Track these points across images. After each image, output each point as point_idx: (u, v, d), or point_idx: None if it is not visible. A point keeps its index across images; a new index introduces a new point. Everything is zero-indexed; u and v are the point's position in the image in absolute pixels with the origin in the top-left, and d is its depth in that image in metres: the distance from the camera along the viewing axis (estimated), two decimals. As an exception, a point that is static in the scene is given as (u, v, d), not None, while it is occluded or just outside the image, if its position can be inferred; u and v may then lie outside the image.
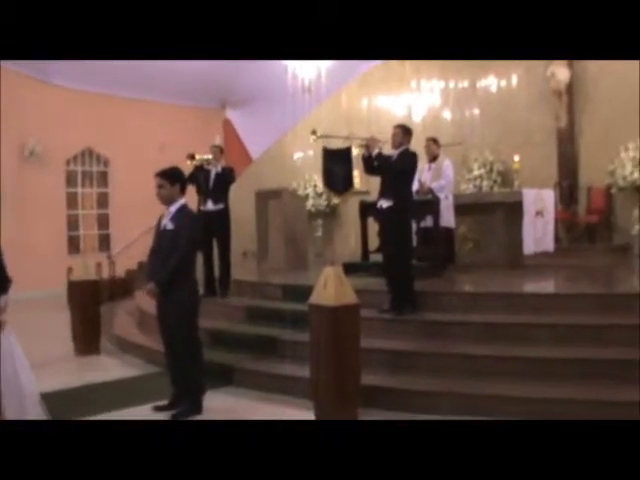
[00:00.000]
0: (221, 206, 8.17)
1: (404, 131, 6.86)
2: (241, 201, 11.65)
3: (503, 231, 8.83)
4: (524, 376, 5.40)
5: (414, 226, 7.68)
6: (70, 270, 9.84)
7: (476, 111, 12.57)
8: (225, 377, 6.40)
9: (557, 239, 9.93)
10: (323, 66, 12.76)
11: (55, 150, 14.49)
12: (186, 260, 5.42)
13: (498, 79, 12.29)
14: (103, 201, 15.94)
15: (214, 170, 8.20)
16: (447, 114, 12.98)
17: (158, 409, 5.60)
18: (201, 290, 8.08)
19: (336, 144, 8.93)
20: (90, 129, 14.96)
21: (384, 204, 6.73)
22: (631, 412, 4.58)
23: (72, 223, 15.37)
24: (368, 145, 6.82)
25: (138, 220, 12.67)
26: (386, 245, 6.91)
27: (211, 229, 8.02)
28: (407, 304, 6.61)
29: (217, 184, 8.17)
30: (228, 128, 17.09)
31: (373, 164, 6.79)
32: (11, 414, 4.28)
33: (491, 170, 12.02)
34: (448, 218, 8.49)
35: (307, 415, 5.27)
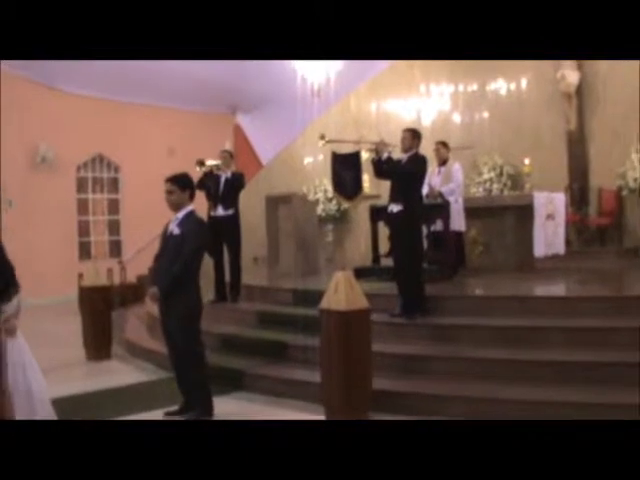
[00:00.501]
0: (231, 212, 8.17)
1: (413, 135, 6.87)
2: (251, 206, 11.67)
3: (513, 234, 8.81)
4: (536, 380, 5.38)
5: (424, 230, 7.67)
6: (81, 276, 9.87)
7: (485, 114, 12.55)
8: (236, 382, 6.40)
9: (568, 242, 9.89)
10: (332, 70, 12.75)
11: (66, 156, 14.53)
12: (190, 266, 5.42)
13: (507, 82, 12.26)
14: (114, 207, 15.97)
15: (224, 175, 8.21)
16: (456, 118, 12.96)
17: (169, 414, 5.61)
18: (211, 295, 8.17)
19: (346, 149, 8.92)
20: (101, 135, 15.00)
21: (394, 208, 6.73)
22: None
23: (83, 229, 15.40)
24: (377, 149, 6.83)
25: (149, 226, 12.68)
26: (396, 249, 6.90)
27: (221, 235, 8.04)
28: (418, 308, 6.60)
29: (227, 189, 8.18)
30: (238, 133, 17.10)
31: (383, 168, 6.80)
32: (21, 418, 4.29)
33: (501, 173, 11.98)
34: (458, 222, 8.47)
35: (318, 419, 5.26)
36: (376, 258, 8.82)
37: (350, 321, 5.12)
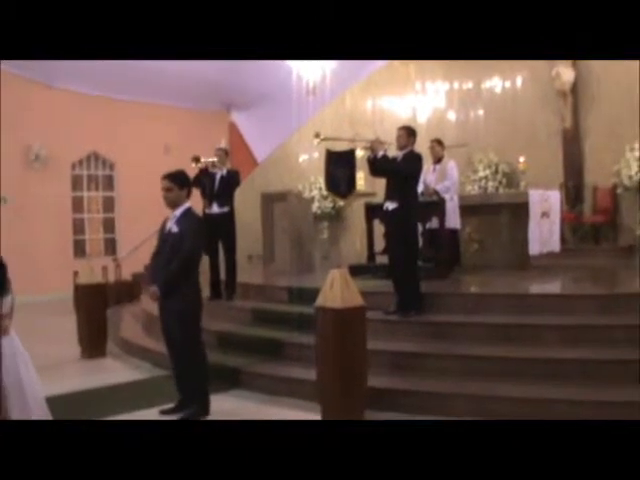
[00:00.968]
0: (226, 209, 8.16)
1: (409, 133, 6.87)
2: (247, 204, 11.65)
3: (508, 232, 8.83)
4: (531, 377, 5.40)
5: (420, 228, 7.67)
6: (76, 274, 9.85)
7: (481, 112, 12.54)
8: (232, 380, 6.41)
9: (563, 240, 9.90)
10: (327, 68, 12.76)
11: (60, 154, 14.51)
12: (189, 264, 5.41)
13: (503, 80, 12.26)
14: (109, 205, 15.95)
15: (219, 173, 8.20)
16: (452, 115, 12.95)
17: (165, 412, 5.60)
18: (207, 293, 8.16)
19: (341, 146, 8.93)
20: (95, 133, 14.98)
21: (390, 206, 6.74)
22: (638, 413, 4.57)
23: (78, 227, 15.38)
24: (373, 147, 6.83)
25: (144, 223, 12.68)
26: (392, 247, 6.90)
27: (216, 232, 8.02)
28: (413, 306, 6.61)
29: (222, 187, 8.17)
30: (233, 131, 17.09)
31: (378, 166, 6.80)
32: (16, 417, 4.28)
33: (496, 171, 11.98)
34: (454, 219, 8.48)
35: (314, 417, 5.27)
36: (371, 256, 8.83)
37: (346, 319, 5.12)
